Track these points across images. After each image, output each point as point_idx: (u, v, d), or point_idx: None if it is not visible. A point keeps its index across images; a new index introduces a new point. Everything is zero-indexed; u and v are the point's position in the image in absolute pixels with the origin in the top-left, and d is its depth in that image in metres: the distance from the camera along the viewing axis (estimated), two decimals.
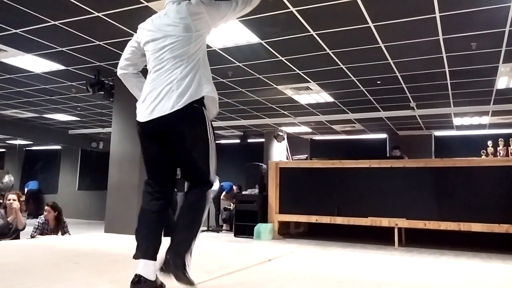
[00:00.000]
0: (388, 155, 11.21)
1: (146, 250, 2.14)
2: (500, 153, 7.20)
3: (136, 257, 2.16)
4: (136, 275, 2.11)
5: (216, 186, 10.46)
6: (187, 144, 2.16)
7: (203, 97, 2.18)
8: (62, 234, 6.04)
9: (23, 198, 14.75)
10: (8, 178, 14.84)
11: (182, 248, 2.17)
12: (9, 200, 5.69)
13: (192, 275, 2.17)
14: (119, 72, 2.43)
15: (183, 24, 2.18)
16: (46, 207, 6.03)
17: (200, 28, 2.22)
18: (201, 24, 2.22)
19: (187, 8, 2.19)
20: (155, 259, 2.14)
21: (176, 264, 2.10)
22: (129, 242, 4.43)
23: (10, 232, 5.64)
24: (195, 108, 2.14)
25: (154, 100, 2.15)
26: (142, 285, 2.08)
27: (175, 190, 7.63)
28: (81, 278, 2.56)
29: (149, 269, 2.11)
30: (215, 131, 2.26)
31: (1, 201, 11.40)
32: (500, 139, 7.39)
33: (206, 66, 2.29)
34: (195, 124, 2.15)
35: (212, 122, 2.25)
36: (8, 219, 5.59)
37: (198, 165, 2.20)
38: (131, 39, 2.43)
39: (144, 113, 2.21)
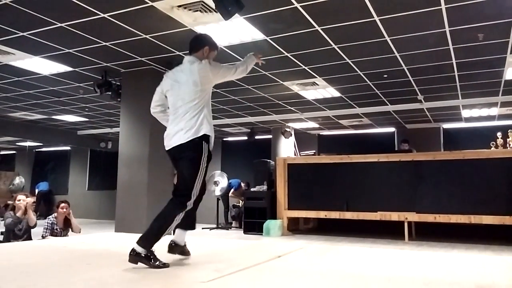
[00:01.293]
0: (396, 148, 11.15)
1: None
2: (510, 145, 7.14)
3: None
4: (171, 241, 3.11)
5: (224, 183, 10.49)
6: (184, 163, 3.00)
7: (203, 135, 2.98)
8: (72, 230, 6.10)
9: (33, 199, 14.94)
10: (19, 180, 15.00)
11: (142, 240, 2.84)
12: (19, 200, 5.77)
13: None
14: (152, 111, 3.32)
15: (192, 80, 3.00)
16: (63, 204, 6.11)
17: (205, 84, 3.05)
18: (206, 80, 3.05)
19: (197, 69, 3.02)
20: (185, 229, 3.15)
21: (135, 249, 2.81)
22: None
23: (21, 232, 5.72)
24: (195, 141, 2.95)
25: (169, 136, 3.07)
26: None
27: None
28: (93, 278, 2.58)
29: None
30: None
31: (10, 202, 11.54)
32: (509, 130, 7.32)
33: (209, 110, 3.10)
34: (193, 151, 2.96)
35: (210, 154, 3.03)
36: (17, 214, 5.67)
37: (185, 180, 2.97)
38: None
39: (165, 142, 3.11)
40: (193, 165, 2.94)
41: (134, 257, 2.77)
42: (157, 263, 2.78)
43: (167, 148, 3.07)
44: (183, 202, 2.93)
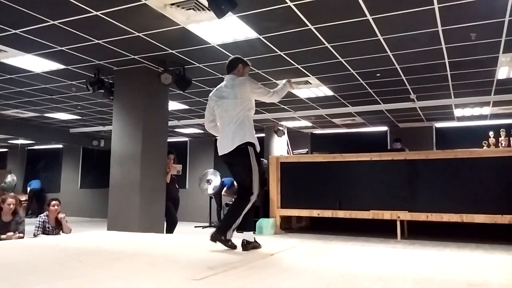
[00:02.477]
0: (389, 147, 11.21)
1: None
2: (502, 144, 7.20)
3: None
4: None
5: (217, 181, 10.49)
6: (238, 168, 3.62)
7: (247, 142, 3.49)
8: (63, 231, 6.07)
9: (25, 197, 14.82)
10: (10, 178, 14.89)
11: (223, 227, 3.57)
12: (9, 204, 5.69)
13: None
14: (206, 127, 3.96)
15: (233, 93, 3.57)
16: (53, 202, 6.08)
17: (244, 97, 3.57)
18: (244, 93, 3.57)
19: (238, 83, 3.61)
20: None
21: (217, 233, 3.52)
22: (132, 240, 4.45)
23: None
24: (242, 147, 3.48)
25: (220, 144, 3.64)
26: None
27: (177, 186, 7.58)
28: (86, 275, 2.57)
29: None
30: (259, 155, 3.60)
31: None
32: (501, 129, 7.39)
33: (250, 122, 3.61)
34: (242, 156, 3.50)
35: (258, 154, 3.55)
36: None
37: (244, 180, 3.57)
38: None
39: (219, 150, 3.67)
40: (246, 167, 3.49)
41: (215, 236, 3.51)
42: (230, 243, 3.52)
43: (219, 154, 3.65)
44: (247, 197, 3.49)
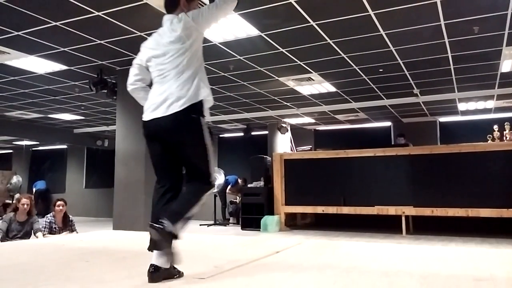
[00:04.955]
0: (393, 143, 11.18)
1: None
2: (506, 137, 7.16)
3: (150, 248, 2.39)
4: (151, 265, 2.35)
5: (221, 179, 10.49)
6: (187, 151, 2.51)
7: (201, 101, 2.48)
8: (70, 232, 6.10)
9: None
10: (16, 179, 14.95)
11: (172, 215, 2.36)
12: (23, 204, 5.75)
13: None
14: (129, 88, 2.75)
15: (176, 37, 2.50)
16: (59, 202, 6.11)
17: (192, 37, 2.52)
18: (191, 33, 2.52)
19: (178, 24, 2.52)
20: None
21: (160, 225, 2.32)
22: (138, 239, 4.47)
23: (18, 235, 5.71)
24: (193, 118, 2.45)
25: (158, 103, 2.47)
26: (159, 274, 2.33)
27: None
28: (92, 275, 2.59)
29: (162, 259, 2.35)
30: (217, 125, 2.55)
31: (10, 201, 11.51)
32: (506, 123, 7.35)
33: (204, 72, 2.60)
34: (193, 132, 2.45)
35: (207, 126, 2.54)
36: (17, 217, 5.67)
37: (199, 167, 2.50)
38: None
39: (146, 114, 2.54)
40: (200, 152, 2.48)
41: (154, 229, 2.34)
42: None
43: (146, 119, 2.52)
44: (204, 188, 2.51)
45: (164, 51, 2.54)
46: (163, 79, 2.52)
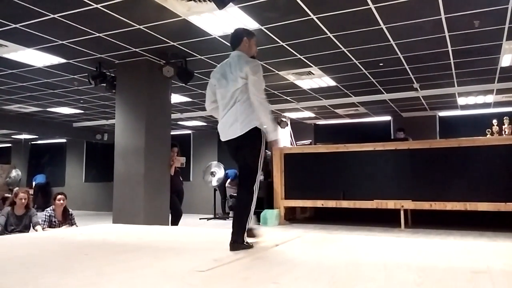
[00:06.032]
0: (392, 137, 11.18)
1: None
2: (505, 132, 7.17)
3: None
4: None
5: (221, 173, 10.51)
6: (245, 150, 3.23)
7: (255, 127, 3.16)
8: (70, 226, 6.11)
9: (31, 191, 14.91)
10: (15, 173, 14.97)
11: (238, 231, 3.16)
12: (20, 198, 5.77)
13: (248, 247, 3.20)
14: (208, 109, 3.57)
15: (237, 75, 3.19)
16: (60, 196, 6.13)
17: (246, 79, 3.19)
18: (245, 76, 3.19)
19: (243, 61, 3.26)
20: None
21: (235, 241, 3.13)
22: (138, 232, 4.48)
23: (20, 227, 5.73)
24: (250, 133, 3.15)
25: (225, 128, 3.27)
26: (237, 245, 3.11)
27: (181, 179, 7.57)
28: (91, 268, 2.59)
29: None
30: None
31: (8, 195, 11.52)
32: (505, 117, 7.35)
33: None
34: (255, 138, 3.18)
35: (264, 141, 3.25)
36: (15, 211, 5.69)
37: (252, 162, 3.20)
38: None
39: (221, 136, 3.34)
40: (254, 150, 3.18)
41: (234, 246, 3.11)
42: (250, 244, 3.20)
43: (224, 140, 3.29)
44: (250, 189, 3.16)
45: (226, 82, 3.29)
46: (225, 106, 3.30)
